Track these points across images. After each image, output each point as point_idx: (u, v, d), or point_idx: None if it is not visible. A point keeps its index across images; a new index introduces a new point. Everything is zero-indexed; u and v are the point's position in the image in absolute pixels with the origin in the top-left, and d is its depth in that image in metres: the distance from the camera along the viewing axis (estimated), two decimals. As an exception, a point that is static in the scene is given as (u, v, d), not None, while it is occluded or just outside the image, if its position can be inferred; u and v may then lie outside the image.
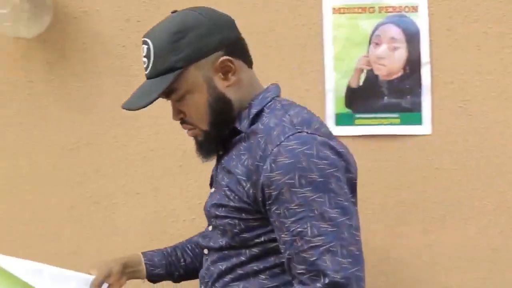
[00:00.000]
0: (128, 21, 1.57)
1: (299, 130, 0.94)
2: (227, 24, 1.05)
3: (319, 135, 0.95)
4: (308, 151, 0.91)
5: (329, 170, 0.91)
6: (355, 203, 0.98)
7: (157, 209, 1.57)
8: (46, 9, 1.50)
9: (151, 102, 1.02)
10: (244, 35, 1.09)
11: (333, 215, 0.89)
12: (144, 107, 1.03)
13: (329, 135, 1.00)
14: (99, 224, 1.60)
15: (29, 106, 1.61)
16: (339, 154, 0.95)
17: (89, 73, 1.58)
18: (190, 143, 1.50)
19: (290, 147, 0.91)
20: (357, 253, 0.91)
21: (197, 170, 1.54)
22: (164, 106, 1.11)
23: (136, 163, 1.58)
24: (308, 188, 0.89)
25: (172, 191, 1.57)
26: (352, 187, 0.99)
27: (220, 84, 1.03)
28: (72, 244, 1.60)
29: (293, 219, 0.90)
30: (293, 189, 0.90)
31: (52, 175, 1.60)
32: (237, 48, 1.05)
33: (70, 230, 1.60)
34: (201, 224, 1.53)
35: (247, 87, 1.06)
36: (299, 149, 0.91)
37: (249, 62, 1.08)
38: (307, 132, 0.94)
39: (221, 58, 1.01)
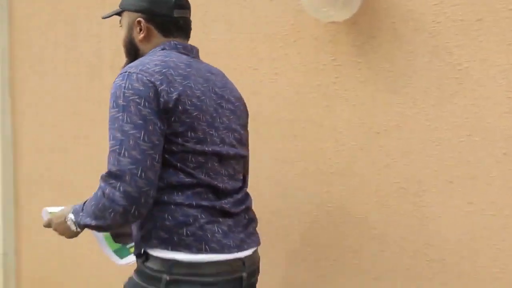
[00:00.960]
0: (442, -6, 1.45)
1: (126, 71, 1.29)
2: (162, 2, 1.41)
3: (138, 72, 1.27)
4: (123, 84, 1.26)
5: (132, 97, 1.23)
6: (158, 122, 1.24)
7: (473, 201, 1.43)
8: (358, -8, 1.50)
9: (104, 17, 1.57)
10: None
11: (125, 128, 1.22)
12: (103, 18, 1.59)
13: (154, 69, 1.28)
14: (405, 210, 1.54)
15: (336, 89, 1.65)
16: (145, 85, 1.25)
17: (399, 52, 1.52)
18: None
19: (116, 82, 1.28)
20: (138, 156, 1.20)
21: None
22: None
23: (451, 148, 1.45)
24: (116, 109, 1.24)
25: (493, 181, 1.40)
26: (167, 110, 1.25)
27: (136, 35, 1.44)
28: (378, 227, 1.59)
29: (108, 129, 1.25)
30: (110, 109, 1.26)
31: (358, 157, 1.61)
32: (157, 20, 1.42)
33: (376, 214, 1.59)
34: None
35: (153, 45, 1.43)
36: (119, 83, 1.27)
37: (168, 34, 1.43)
38: (129, 72, 1.28)
39: (137, 19, 1.43)
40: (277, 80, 1.77)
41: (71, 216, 1.33)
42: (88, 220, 1.26)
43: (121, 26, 1.49)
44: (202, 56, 1.96)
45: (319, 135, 1.68)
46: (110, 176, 1.21)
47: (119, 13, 1.49)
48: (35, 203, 2.89)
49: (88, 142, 2.50)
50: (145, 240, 1.29)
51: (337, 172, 1.66)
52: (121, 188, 1.19)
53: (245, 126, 1.50)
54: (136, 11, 1.43)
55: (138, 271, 1.32)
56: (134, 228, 1.34)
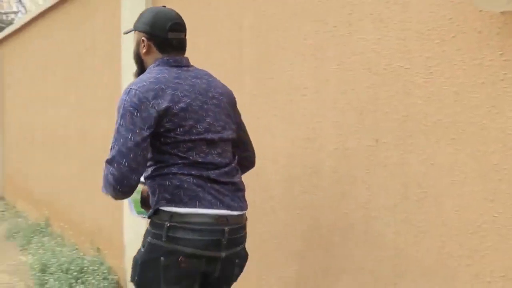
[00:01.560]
0: None
1: (129, 87, 1.75)
2: (160, 26, 1.83)
3: (136, 89, 1.72)
4: (124, 97, 1.73)
5: (129, 108, 1.70)
6: (145, 124, 1.70)
7: None
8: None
9: (125, 33, 2.05)
10: None
11: (120, 130, 1.70)
12: (124, 33, 2.08)
13: (149, 86, 1.73)
14: None
15: (504, 87, 1.48)
16: (139, 99, 1.70)
17: None
18: None
19: (121, 96, 1.75)
20: (124, 150, 1.68)
21: None
22: None
23: None
24: (118, 116, 1.72)
25: None
26: (157, 117, 1.71)
27: (141, 49, 1.89)
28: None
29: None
30: (116, 117, 1.73)
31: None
32: (155, 39, 1.85)
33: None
34: None
35: (152, 58, 1.87)
36: (122, 97, 1.74)
37: (163, 51, 1.85)
38: (131, 89, 1.74)
39: (142, 38, 1.87)
40: (432, 79, 1.65)
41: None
42: (104, 190, 1.78)
43: (134, 41, 1.95)
44: (348, 56, 1.91)
45: (483, 138, 1.53)
46: (107, 162, 1.72)
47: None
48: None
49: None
50: (157, 201, 1.77)
51: (505, 179, 1.49)
52: (111, 171, 1.70)
53: (229, 115, 1.90)
54: (141, 31, 1.88)
55: (150, 222, 1.80)
56: (150, 195, 1.81)
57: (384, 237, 1.82)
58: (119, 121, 1.71)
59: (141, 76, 1.82)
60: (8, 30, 7.03)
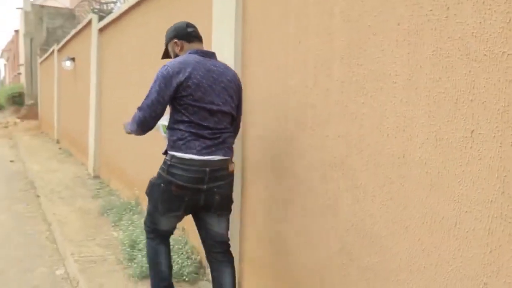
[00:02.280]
0: None
1: (165, 64, 2.59)
2: (180, 28, 2.83)
3: (168, 66, 2.57)
4: (160, 70, 2.59)
5: (160, 77, 2.56)
6: (167, 90, 2.56)
7: None
8: None
9: (162, 58, 3.04)
10: None
11: (152, 89, 2.57)
12: (162, 59, 3.04)
13: (177, 65, 2.58)
14: None
15: None
16: (168, 72, 2.55)
17: None
18: None
19: (160, 68, 2.61)
20: (149, 103, 2.57)
21: None
22: None
23: None
24: (153, 81, 2.58)
25: None
26: (178, 86, 2.56)
27: (176, 49, 2.83)
28: None
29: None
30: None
31: None
32: (182, 36, 2.82)
33: None
34: None
35: (185, 50, 2.79)
36: (160, 70, 2.60)
37: (190, 40, 2.83)
38: (166, 65, 2.58)
39: (173, 42, 2.84)
40: (539, 66, 1.52)
41: (126, 125, 2.85)
42: (128, 127, 2.74)
43: (170, 51, 2.88)
44: (445, 41, 1.80)
45: None
46: (138, 108, 2.61)
47: (167, 46, 2.93)
48: (259, 190, 3.05)
49: (315, 133, 2.53)
50: (168, 146, 2.64)
51: None
52: (139, 115, 2.60)
53: (231, 96, 2.71)
54: (171, 38, 2.83)
55: (163, 160, 2.66)
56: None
57: (475, 234, 1.72)
58: (152, 84, 2.56)
59: (176, 58, 2.68)
60: (107, 19, 7.42)
